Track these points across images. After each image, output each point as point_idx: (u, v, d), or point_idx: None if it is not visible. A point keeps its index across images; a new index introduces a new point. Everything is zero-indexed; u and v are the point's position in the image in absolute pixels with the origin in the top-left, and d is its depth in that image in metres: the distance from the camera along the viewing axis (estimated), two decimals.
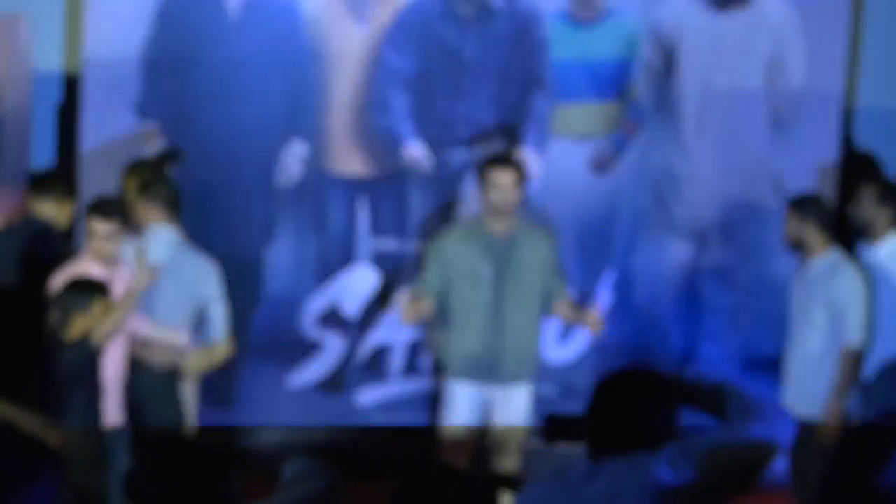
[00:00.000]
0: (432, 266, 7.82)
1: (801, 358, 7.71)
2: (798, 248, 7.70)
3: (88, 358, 7.01)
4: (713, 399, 4.42)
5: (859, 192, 7.95)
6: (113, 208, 7.37)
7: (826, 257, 7.66)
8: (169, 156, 8.42)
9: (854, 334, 7.49)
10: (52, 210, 8.12)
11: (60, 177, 8.28)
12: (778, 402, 7.56)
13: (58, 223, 8.11)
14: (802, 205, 7.71)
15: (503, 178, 7.65)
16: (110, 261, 7.37)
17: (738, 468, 4.13)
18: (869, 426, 4.05)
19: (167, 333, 7.65)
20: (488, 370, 7.84)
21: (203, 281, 7.76)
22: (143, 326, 7.53)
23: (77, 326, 6.91)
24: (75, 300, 6.95)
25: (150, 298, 7.55)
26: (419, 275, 7.93)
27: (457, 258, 7.76)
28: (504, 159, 7.85)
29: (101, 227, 7.28)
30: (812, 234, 7.64)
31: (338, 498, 4.73)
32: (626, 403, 4.16)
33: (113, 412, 7.35)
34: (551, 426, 3.89)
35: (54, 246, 7.97)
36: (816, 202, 7.78)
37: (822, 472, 3.97)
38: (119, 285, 7.33)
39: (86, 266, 7.32)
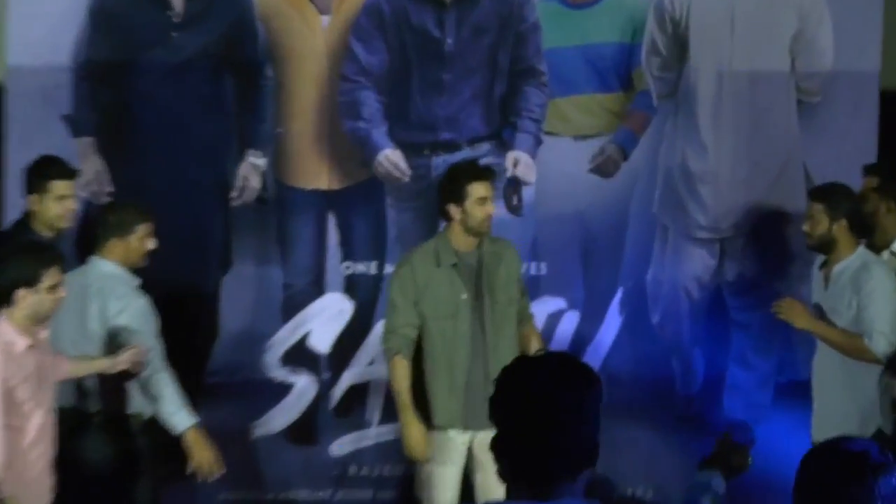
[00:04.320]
0: (404, 304, 5.94)
1: (823, 385, 6.10)
2: (820, 248, 6.02)
3: None
4: None
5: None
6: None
7: (853, 259, 5.92)
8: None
9: (876, 343, 5.76)
10: None
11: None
12: None
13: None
14: (828, 195, 6.00)
15: (487, 191, 5.91)
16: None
17: None
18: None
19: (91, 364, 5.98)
20: (477, 411, 5.90)
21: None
22: (63, 368, 5.84)
23: None
24: None
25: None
26: (389, 321, 6.07)
27: (430, 288, 5.98)
28: (485, 169, 6.05)
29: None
30: (840, 230, 5.91)
31: None
32: None
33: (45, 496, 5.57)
34: None
35: None
36: (846, 193, 6.00)
37: None
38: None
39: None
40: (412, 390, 5.69)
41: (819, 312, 5.90)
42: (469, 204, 5.69)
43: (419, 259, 5.84)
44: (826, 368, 5.96)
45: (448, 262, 5.77)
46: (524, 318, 6.03)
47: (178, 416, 5.77)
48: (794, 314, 5.90)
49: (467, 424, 5.80)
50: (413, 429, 5.73)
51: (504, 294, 5.92)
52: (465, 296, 5.77)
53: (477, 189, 5.70)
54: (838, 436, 3.11)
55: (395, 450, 6.80)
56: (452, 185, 5.78)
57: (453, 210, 5.68)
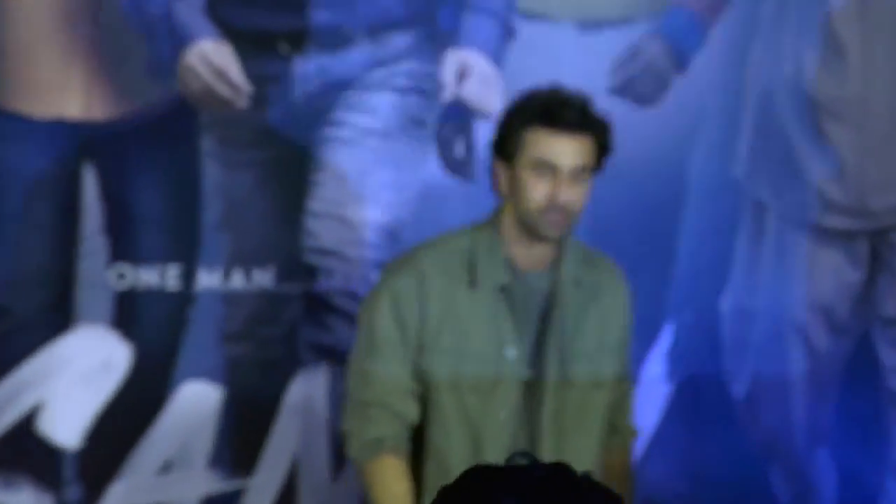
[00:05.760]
0: (396, 348, 3.59)
1: None
2: None
3: None
4: None
5: None
6: None
7: None
8: None
9: None
10: None
11: None
12: None
13: None
14: None
15: (566, 150, 3.49)
16: None
17: None
18: None
19: None
20: None
21: None
22: None
23: None
24: None
25: None
26: (366, 381, 3.58)
27: (453, 325, 3.64)
28: (570, 103, 3.48)
29: None
30: None
31: None
32: None
33: None
34: None
35: None
36: None
37: None
38: None
39: None
40: None
41: None
42: (520, 169, 3.50)
43: (437, 267, 3.68)
44: None
45: (494, 283, 3.64)
46: (618, 425, 3.88)
47: None
48: None
49: None
50: None
51: (590, 364, 3.87)
52: (514, 352, 3.66)
53: (540, 141, 3.48)
54: None
55: None
56: (501, 129, 3.59)
57: (501, 176, 3.53)
